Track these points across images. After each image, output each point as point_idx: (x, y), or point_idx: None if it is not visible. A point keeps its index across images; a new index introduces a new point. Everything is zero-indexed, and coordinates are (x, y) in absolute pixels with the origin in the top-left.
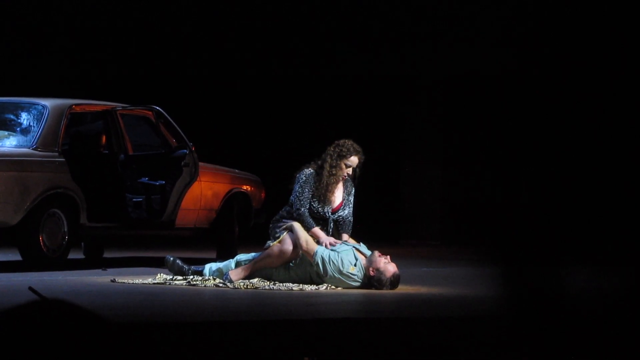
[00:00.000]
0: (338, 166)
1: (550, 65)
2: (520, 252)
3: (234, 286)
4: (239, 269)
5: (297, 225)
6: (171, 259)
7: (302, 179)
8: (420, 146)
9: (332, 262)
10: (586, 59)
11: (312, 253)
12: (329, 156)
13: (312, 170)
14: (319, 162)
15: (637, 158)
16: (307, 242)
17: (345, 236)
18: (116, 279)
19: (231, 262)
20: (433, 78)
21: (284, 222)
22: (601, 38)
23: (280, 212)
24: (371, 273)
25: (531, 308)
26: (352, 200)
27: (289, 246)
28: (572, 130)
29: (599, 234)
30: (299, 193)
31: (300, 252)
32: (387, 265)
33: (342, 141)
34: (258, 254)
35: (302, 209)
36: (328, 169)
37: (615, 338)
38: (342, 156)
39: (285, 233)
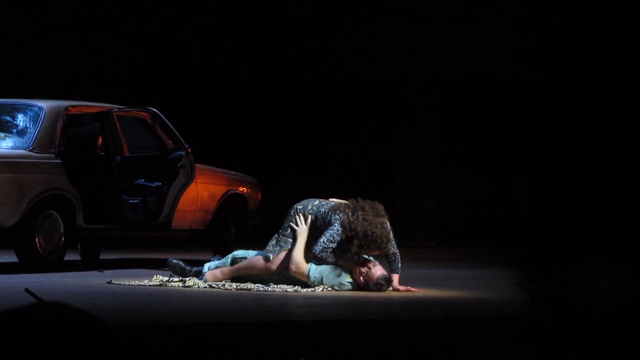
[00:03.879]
0: (360, 254)
1: (546, 66)
2: (518, 252)
3: (210, 286)
4: (218, 271)
5: (297, 248)
6: (173, 261)
7: (340, 229)
8: (416, 146)
9: (327, 277)
10: (582, 60)
11: (304, 274)
12: (355, 245)
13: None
14: (347, 224)
15: (634, 156)
16: (297, 265)
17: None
18: (112, 281)
19: (228, 259)
20: (430, 78)
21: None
22: (598, 40)
23: (299, 206)
24: (361, 283)
25: (530, 308)
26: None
27: (274, 267)
28: (568, 131)
29: (596, 233)
30: (332, 240)
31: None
32: (370, 272)
33: (371, 232)
34: (256, 252)
35: (324, 254)
36: (350, 256)
37: (616, 338)
38: (368, 249)
39: (281, 253)
